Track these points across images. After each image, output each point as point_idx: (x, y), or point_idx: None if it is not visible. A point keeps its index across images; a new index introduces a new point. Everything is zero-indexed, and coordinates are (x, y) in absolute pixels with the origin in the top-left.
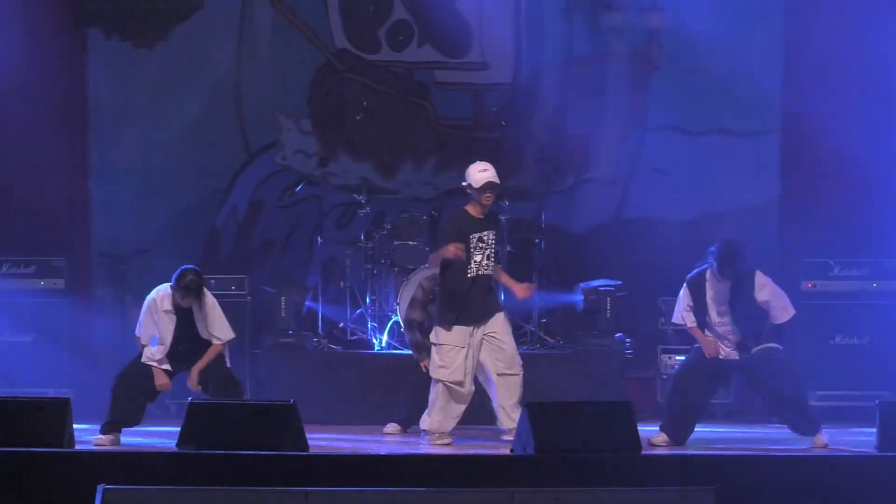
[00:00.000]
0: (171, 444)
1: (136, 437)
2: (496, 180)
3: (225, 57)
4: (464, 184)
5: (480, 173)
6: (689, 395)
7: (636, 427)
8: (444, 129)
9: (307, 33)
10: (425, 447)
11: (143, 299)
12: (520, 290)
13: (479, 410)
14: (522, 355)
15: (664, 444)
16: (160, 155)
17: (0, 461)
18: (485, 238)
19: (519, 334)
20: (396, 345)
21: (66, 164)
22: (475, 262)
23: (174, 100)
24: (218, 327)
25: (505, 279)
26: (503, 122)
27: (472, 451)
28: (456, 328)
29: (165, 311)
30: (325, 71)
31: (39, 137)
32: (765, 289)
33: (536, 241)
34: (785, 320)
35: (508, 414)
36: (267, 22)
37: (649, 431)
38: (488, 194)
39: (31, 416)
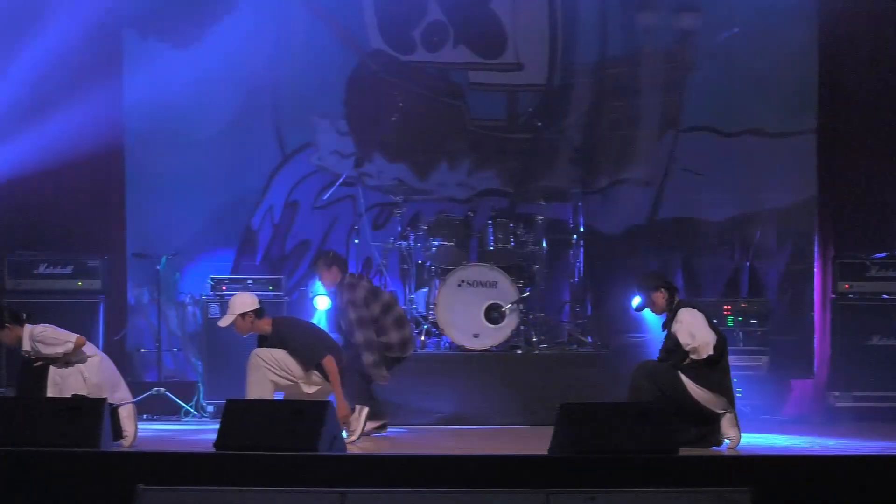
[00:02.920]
0: (208, 444)
1: (173, 437)
2: None
3: (260, 58)
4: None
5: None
6: None
7: (672, 428)
8: (478, 129)
9: (342, 34)
10: (462, 448)
11: (177, 300)
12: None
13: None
14: (561, 356)
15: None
16: (195, 155)
17: (37, 462)
18: None
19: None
20: (431, 345)
21: (103, 164)
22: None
23: (209, 101)
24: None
25: None
26: (538, 123)
27: (508, 452)
28: None
29: None
30: (360, 71)
31: (76, 137)
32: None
33: (572, 241)
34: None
35: None
36: (302, 22)
37: None
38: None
39: (68, 416)
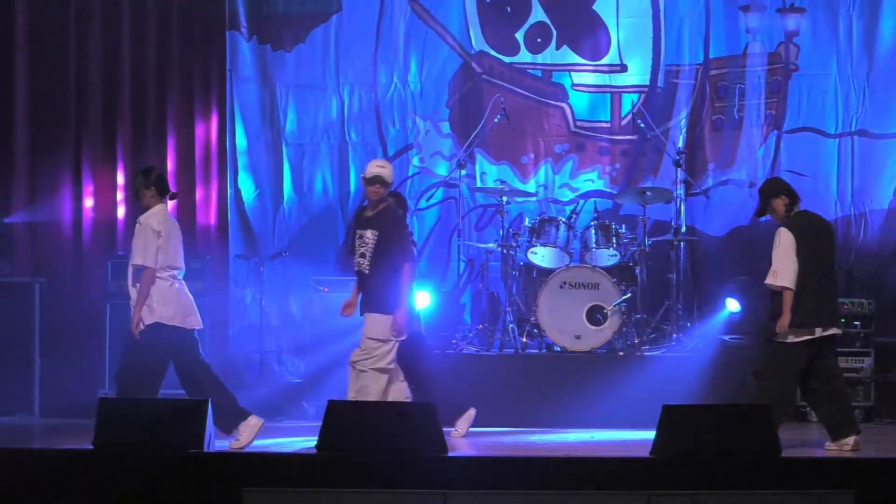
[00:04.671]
0: (310, 446)
1: (276, 439)
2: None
3: (362, 59)
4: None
5: (373, 167)
6: None
7: (775, 430)
8: (581, 131)
9: (445, 35)
10: (562, 450)
11: (280, 301)
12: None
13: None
14: (663, 358)
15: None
16: (298, 156)
17: (143, 463)
18: (365, 236)
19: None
20: (532, 346)
21: (206, 165)
22: (355, 259)
23: (312, 102)
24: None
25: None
26: (640, 124)
27: (609, 454)
28: None
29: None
30: (463, 73)
31: (178, 141)
32: None
33: (675, 242)
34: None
35: None
36: (405, 24)
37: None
38: (373, 187)
39: (172, 418)
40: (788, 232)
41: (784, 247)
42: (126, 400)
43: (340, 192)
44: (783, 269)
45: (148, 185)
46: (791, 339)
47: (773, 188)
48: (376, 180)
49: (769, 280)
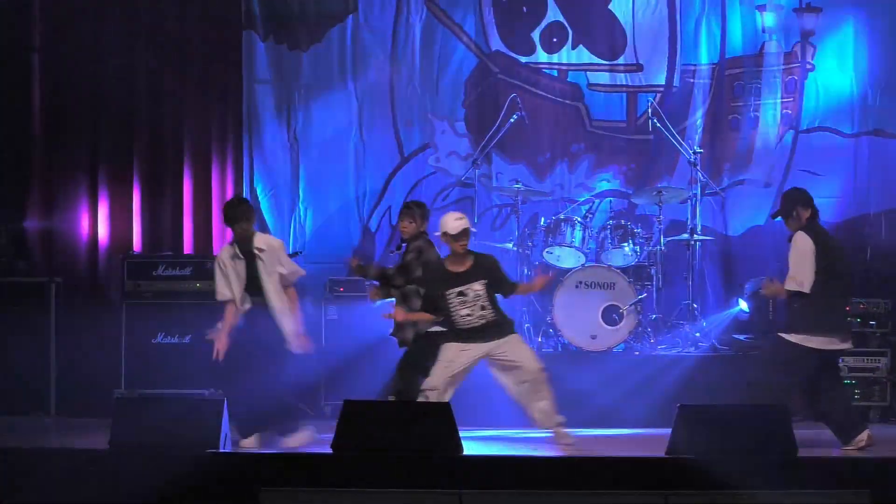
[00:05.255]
0: (325, 446)
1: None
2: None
3: (378, 59)
4: (436, 233)
5: (456, 221)
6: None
7: (791, 430)
8: (597, 130)
9: (461, 35)
10: (578, 450)
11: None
12: (537, 284)
13: None
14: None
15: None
16: (314, 157)
17: (160, 461)
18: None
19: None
20: (548, 345)
21: (222, 165)
22: (461, 315)
23: (328, 102)
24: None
25: (523, 289)
26: (656, 123)
27: (625, 454)
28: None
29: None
30: (479, 73)
31: (194, 140)
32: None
33: (690, 242)
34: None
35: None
36: (421, 24)
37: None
38: (463, 241)
39: (187, 416)
40: (808, 237)
41: (804, 253)
42: (142, 399)
43: (357, 192)
44: (802, 274)
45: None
46: (802, 342)
47: (804, 197)
48: (466, 233)
49: (789, 286)
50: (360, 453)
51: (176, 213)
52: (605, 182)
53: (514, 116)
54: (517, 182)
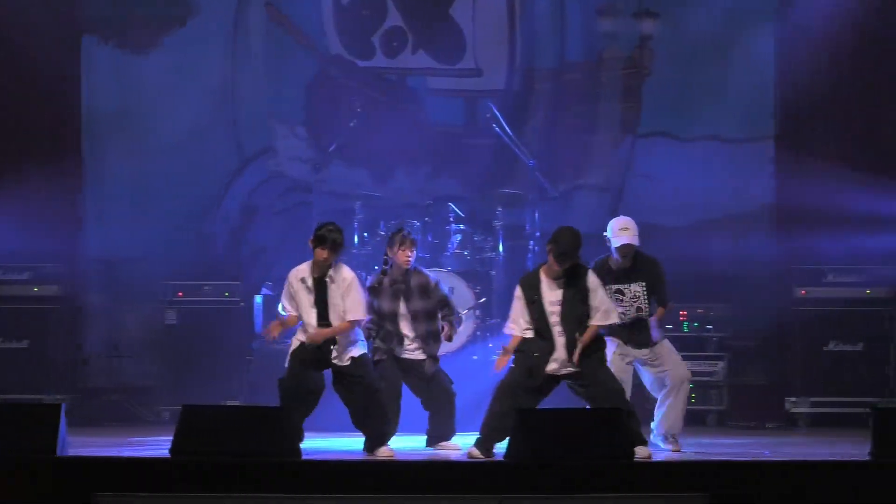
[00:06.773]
0: (164, 451)
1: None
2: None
3: (219, 63)
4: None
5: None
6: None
7: (628, 434)
8: (437, 135)
9: (302, 39)
10: (422, 454)
11: (136, 305)
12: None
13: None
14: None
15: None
16: (154, 161)
17: None
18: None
19: None
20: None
21: (60, 169)
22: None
23: (168, 106)
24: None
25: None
26: (495, 127)
27: (461, 458)
28: None
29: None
30: (319, 77)
31: (33, 144)
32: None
33: (529, 247)
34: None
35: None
36: (261, 28)
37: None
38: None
39: (24, 421)
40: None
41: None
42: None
43: (197, 196)
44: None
45: None
46: None
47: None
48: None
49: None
50: (199, 458)
51: (20, 223)
52: (445, 186)
53: (353, 121)
54: (357, 186)
